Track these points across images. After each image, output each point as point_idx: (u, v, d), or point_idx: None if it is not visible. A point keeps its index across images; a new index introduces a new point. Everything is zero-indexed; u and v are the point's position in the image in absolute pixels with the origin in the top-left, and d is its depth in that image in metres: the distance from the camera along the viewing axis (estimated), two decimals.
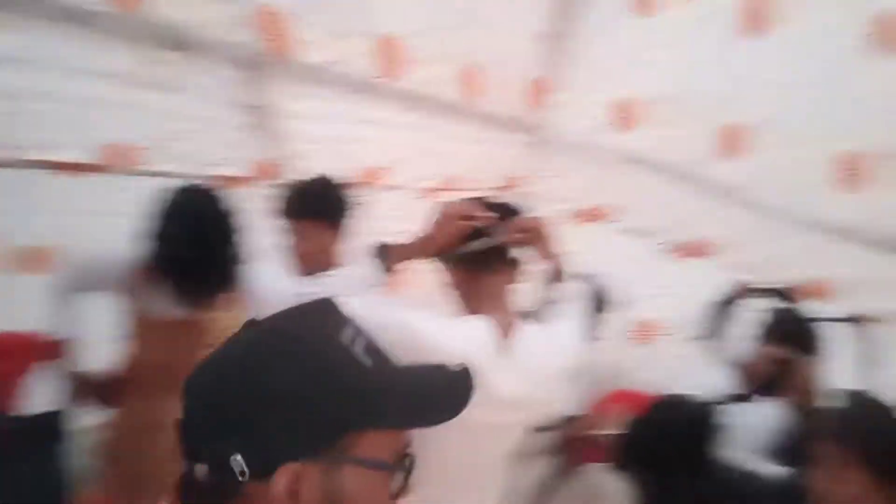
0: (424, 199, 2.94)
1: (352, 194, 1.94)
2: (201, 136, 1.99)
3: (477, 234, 1.38)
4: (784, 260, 2.62)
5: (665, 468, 1.55)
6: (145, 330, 1.78)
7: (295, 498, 0.58)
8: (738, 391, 2.06)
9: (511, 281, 1.42)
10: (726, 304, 2.33)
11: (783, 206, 2.53)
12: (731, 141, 2.67)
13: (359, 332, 0.67)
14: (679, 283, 3.24)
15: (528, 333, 1.35)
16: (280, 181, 2.21)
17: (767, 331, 2.06)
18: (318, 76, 2.18)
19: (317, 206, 1.86)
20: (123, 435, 1.81)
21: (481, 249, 1.37)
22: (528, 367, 1.31)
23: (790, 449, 1.75)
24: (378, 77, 2.38)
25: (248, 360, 0.61)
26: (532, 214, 1.47)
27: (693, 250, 3.19)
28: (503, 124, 3.16)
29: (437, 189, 2.99)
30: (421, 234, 1.41)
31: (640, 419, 1.66)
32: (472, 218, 1.37)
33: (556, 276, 1.50)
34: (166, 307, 1.74)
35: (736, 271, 2.90)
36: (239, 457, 0.58)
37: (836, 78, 2.07)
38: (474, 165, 3.07)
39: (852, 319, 2.28)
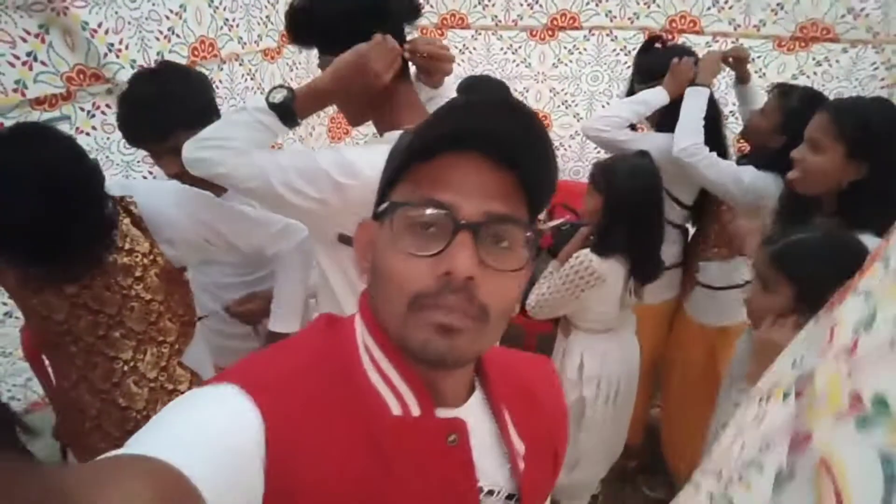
0: (270, 60, 2.63)
1: (197, 77, 1.59)
2: None
3: None
4: None
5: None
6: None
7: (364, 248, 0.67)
8: None
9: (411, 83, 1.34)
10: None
11: None
12: None
13: None
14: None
15: None
16: (109, 87, 1.85)
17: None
18: None
19: (171, 116, 1.45)
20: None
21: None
22: None
23: None
24: None
25: None
26: None
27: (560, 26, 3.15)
28: None
29: (279, 47, 2.66)
30: (332, 80, 1.21)
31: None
32: (399, 52, 1.23)
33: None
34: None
35: None
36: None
37: None
38: None
39: None
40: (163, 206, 1.34)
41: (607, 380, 1.97)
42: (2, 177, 1.10)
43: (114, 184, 1.34)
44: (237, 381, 0.57)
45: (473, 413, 0.67)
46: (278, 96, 1.21)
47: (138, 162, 2.02)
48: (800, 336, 0.54)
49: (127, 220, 1.30)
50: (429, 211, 0.59)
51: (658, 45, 2.33)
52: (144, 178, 2.03)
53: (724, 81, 2.91)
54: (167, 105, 1.44)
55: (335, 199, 1.18)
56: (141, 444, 0.49)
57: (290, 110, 1.21)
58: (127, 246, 1.30)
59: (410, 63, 1.33)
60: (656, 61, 2.23)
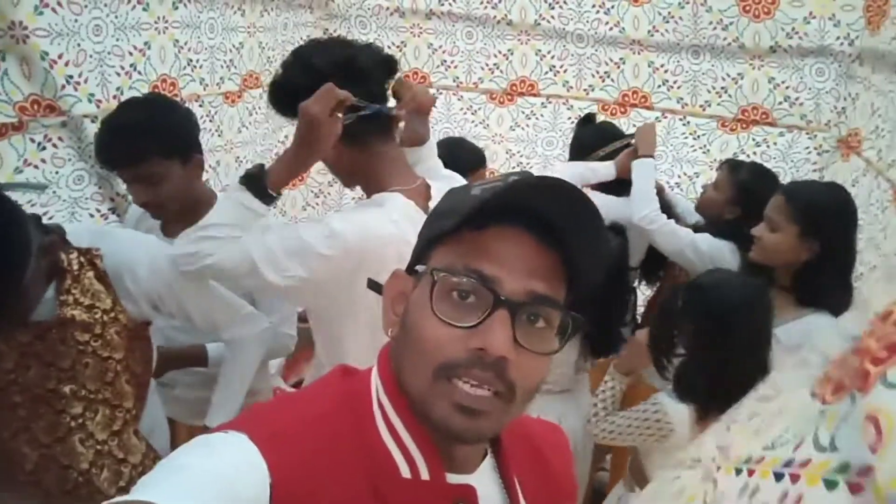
0: (230, 103, 2.59)
1: (184, 112, 1.58)
2: None
3: (351, 109, 1.24)
4: None
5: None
6: None
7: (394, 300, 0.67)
8: None
9: (397, 144, 1.37)
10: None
11: None
12: None
13: None
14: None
15: (441, 188, 1.31)
16: (63, 120, 1.76)
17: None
18: None
19: (151, 141, 1.43)
20: None
21: (369, 119, 1.26)
22: None
23: None
24: None
25: None
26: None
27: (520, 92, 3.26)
28: (287, 3, 2.83)
29: (241, 90, 2.63)
30: (295, 145, 1.22)
31: None
32: (340, 103, 1.20)
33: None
34: None
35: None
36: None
37: None
38: (270, 56, 2.73)
39: None
40: (133, 259, 1.27)
41: None
42: None
43: (85, 230, 1.28)
44: (247, 430, 0.57)
45: (484, 480, 0.66)
46: (248, 173, 1.22)
47: (86, 199, 1.92)
48: (771, 408, 0.54)
49: (90, 274, 1.22)
50: (471, 282, 0.59)
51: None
52: (91, 215, 1.93)
53: (670, 154, 3.07)
54: (148, 130, 1.43)
55: (322, 271, 1.18)
56: (150, 489, 0.50)
57: (261, 185, 1.20)
58: (87, 301, 1.22)
59: (397, 120, 1.35)
60: (591, 135, 2.37)
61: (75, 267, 1.21)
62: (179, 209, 1.52)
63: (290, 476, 0.55)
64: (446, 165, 1.57)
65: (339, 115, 1.20)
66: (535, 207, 0.59)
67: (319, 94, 1.17)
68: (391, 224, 1.21)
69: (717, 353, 1.32)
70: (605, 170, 2.24)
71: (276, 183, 1.23)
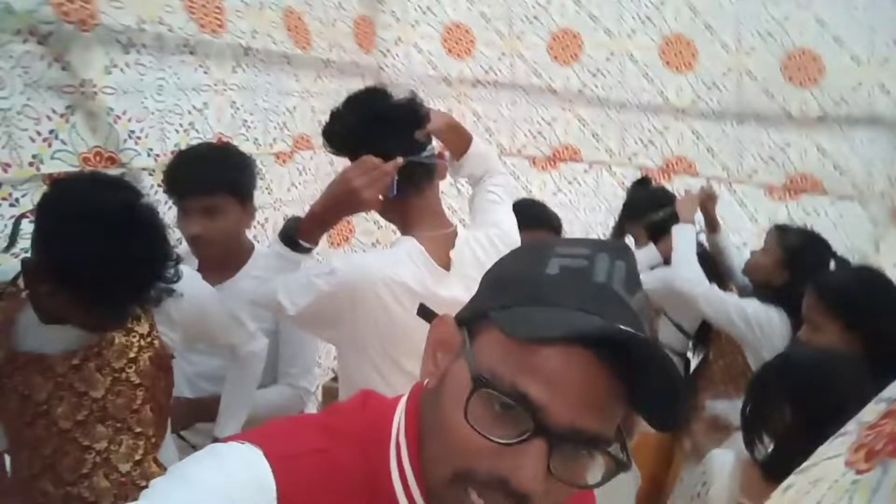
0: (281, 163, 2.69)
1: (252, 162, 1.68)
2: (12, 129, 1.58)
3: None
4: None
5: None
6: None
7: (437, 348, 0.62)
8: None
9: (437, 191, 1.43)
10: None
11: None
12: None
13: None
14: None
15: (467, 237, 1.42)
16: (123, 171, 1.86)
17: None
18: (130, 40, 1.84)
19: (223, 176, 1.55)
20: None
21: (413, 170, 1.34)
22: (473, 271, 1.35)
23: None
24: (196, 33, 2.08)
25: None
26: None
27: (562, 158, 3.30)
28: (340, 71, 2.97)
29: (292, 151, 2.74)
30: (326, 203, 1.33)
31: None
32: (385, 171, 1.29)
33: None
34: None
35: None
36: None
37: None
38: (321, 120, 2.85)
39: None
40: (180, 287, 1.29)
41: None
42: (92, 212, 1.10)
43: None
44: (260, 444, 0.56)
45: None
46: (285, 226, 1.35)
47: None
48: (807, 477, 0.51)
49: None
50: (513, 403, 0.52)
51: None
52: None
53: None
54: (222, 165, 1.55)
55: (323, 304, 1.28)
56: (153, 499, 0.51)
57: (293, 238, 1.32)
58: (127, 325, 1.26)
59: (443, 167, 1.44)
60: (645, 199, 2.39)
61: None
62: (222, 252, 1.58)
63: (297, 498, 0.54)
64: (520, 223, 1.58)
65: (393, 177, 1.30)
66: (609, 335, 0.51)
67: (365, 170, 1.27)
68: (389, 266, 1.29)
69: (816, 431, 1.23)
70: (647, 255, 2.29)
71: (307, 236, 1.33)
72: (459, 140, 1.54)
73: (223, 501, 0.51)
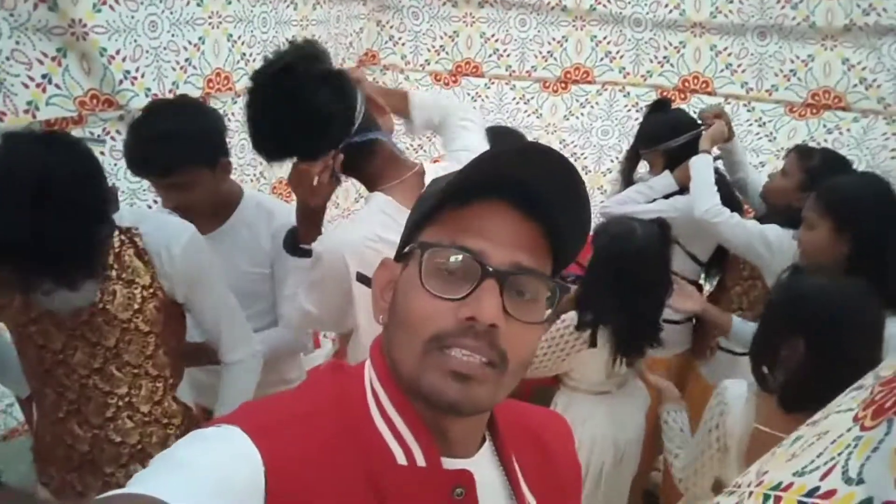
0: None
1: (210, 117, 1.57)
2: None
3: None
4: None
5: None
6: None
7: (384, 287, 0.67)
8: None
9: (387, 144, 1.38)
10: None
11: None
12: None
13: None
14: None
15: (435, 169, 1.37)
16: (121, 114, 1.83)
17: None
18: None
19: (183, 152, 1.43)
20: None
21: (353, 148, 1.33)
22: None
23: None
24: None
25: None
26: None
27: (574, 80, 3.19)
28: None
29: None
30: (301, 207, 1.40)
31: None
32: (319, 175, 1.31)
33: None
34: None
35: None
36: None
37: None
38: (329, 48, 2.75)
39: None
40: (170, 240, 1.29)
41: (588, 448, 1.86)
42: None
43: (127, 211, 1.33)
44: (241, 424, 0.57)
45: (483, 465, 0.65)
46: (284, 241, 1.44)
47: (144, 190, 1.99)
48: (815, 430, 0.50)
49: (130, 251, 1.27)
50: (458, 255, 0.60)
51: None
52: (149, 206, 2.00)
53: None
54: (176, 142, 1.42)
55: (332, 290, 1.31)
56: (146, 483, 0.50)
57: (291, 244, 1.42)
58: (128, 277, 1.27)
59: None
60: (662, 125, 2.28)
61: (116, 245, 1.26)
62: (207, 209, 1.56)
63: (284, 466, 0.55)
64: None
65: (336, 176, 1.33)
66: (517, 179, 0.59)
67: (299, 179, 1.32)
68: (365, 228, 1.28)
69: (833, 363, 1.20)
70: (663, 183, 2.21)
71: (308, 239, 1.39)
72: (393, 101, 1.51)
73: (219, 480, 0.52)
